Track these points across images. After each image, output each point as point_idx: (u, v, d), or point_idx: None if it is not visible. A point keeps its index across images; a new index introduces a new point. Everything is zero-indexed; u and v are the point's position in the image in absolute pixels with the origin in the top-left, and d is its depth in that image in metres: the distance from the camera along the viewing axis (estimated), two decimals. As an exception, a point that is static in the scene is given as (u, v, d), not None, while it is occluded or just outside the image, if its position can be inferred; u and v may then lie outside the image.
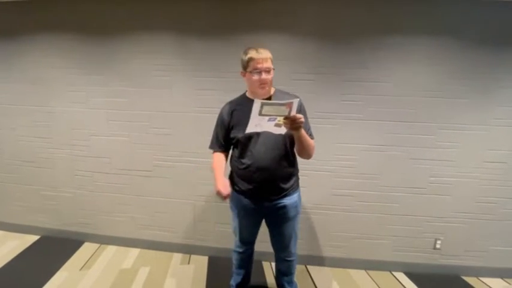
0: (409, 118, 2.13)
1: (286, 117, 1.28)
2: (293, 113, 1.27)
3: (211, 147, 1.68)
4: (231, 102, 1.63)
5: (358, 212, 2.29)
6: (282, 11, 2.07)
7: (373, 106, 2.13)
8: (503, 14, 1.95)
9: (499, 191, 2.16)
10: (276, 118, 1.29)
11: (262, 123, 1.30)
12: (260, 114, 1.26)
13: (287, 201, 1.59)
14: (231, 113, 1.57)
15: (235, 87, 2.15)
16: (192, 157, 2.34)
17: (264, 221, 1.72)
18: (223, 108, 1.63)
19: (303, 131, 1.39)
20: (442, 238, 2.26)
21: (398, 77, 2.09)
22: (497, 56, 2.01)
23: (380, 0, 2.00)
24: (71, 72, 2.33)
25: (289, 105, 1.24)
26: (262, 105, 1.23)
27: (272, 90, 1.55)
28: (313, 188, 2.27)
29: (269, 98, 1.50)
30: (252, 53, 1.43)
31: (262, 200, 1.59)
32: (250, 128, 1.33)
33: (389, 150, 2.18)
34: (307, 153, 1.51)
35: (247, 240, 1.78)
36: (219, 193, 1.46)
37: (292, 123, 1.29)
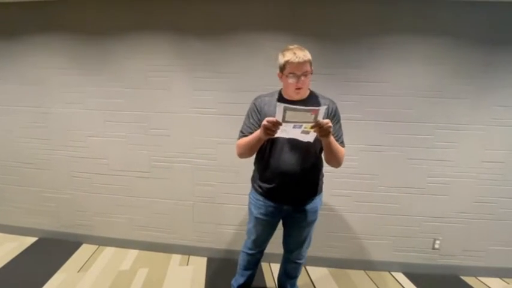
0: (407, 118, 2.13)
1: (313, 125, 1.19)
2: (320, 119, 1.18)
3: (240, 136, 1.51)
4: (263, 97, 1.52)
5: (356, 212, 2.28)
6: (280, 12, 2.07)
7: (371, 106, 2.13)
8: (501, 14, 1.95)
9: (497, 190, 2.17)
10: (302, 125, 1.20)
11: (288, 129, 1.22)
12: (284, 120, 1.18)
13: (308, 205, 1.56)
14: (263, 108, 1.47)
15: (233, 88, 2.17)
16: (190, 158, 2.33)
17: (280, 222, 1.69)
18: (255, 100, 1.52)
19: (331, 139, 1.32)
20: (440, 238, 2.26)
21: (396, 77, 2.09)
22: (494, 55, 2.01)
23: (378, 0, 2.00)
24: (67, 73, 2.32)
25: (315, 111, 1.15)
26: (285, 110, 1.15)
27: (307, 93, 1.48)
28: (312, 188, 2.27)
29: (303, 101, 1.43)
30: (289, 56, 1.32)
31: (283, 204, 1.55)
32: (276, 133, 1.27)
33: (387, 150, 2.18)
34: (336, 162, 1.44)
35: (260, 243, 1.73)
36: (268, 124, 1.23)
37: (320, 129, 1.21)
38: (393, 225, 2.28)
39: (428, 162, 2.17)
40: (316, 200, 1.59)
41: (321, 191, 1.62)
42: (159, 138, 2.33)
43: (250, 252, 1.76)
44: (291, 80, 1.35)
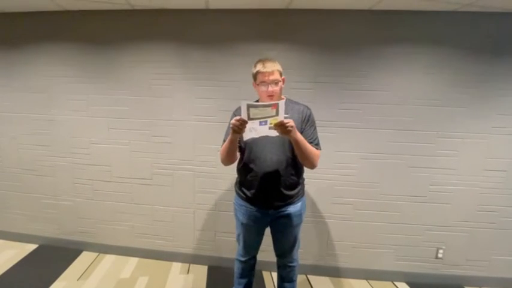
0: (408, 126, 2.14)
1: (276, 124, 1.31)
2: (281, 114, 1.29)
3: (221, 145, 1.61)
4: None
5: (358, 220, 2.27)
6: (281, 21, 2.11)
7: (372, 114, 2.15)
8: (501, 23, 1.98)
9: (499, 199, 2.16)
10: (267, 122, 1.31)
11: (256, 127, 1.33)
12: (249, 118, 1.30)
13: (292, 209, 1.60)
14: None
15: (234, 96, 2.20)
16: (192, 165, 2.34)
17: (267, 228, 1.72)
18: (235, 110, 1.63)
19: (298, 137, 1.42)
20: (444, 247, 2.24)
21: (397, 86, 2.11)
22: (495, 64, 2.03)
23: (378, 11, 2.04)
24: (72, 81, 2.36)
25: (275, 106, 1.28)
26: (248, 107, 1.27)
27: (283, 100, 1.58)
28: (313, 196, 2.27)
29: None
30: (259, 67, 1.48)
31: (267, 207, 1.60)
32: (246, 134, 1.37)
33: (388, 158, 2.18)
34: (307, 161, 1.52)
35: (250, 248, 1.77)
36: (236, 122, 1.32)
37: (282, 127, 1.33)
38: (395, 234, 2.26)
39: (430, 171, 2.17)
40: (299, 204, 1.63)
41: (303, 194, 1.68)
42: (161, 145, 2.34)
43: (243, 259, 1.80)
44: (263, 88, 1.49)
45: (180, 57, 2.23)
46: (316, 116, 2.14)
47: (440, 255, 2.25)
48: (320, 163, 2.17)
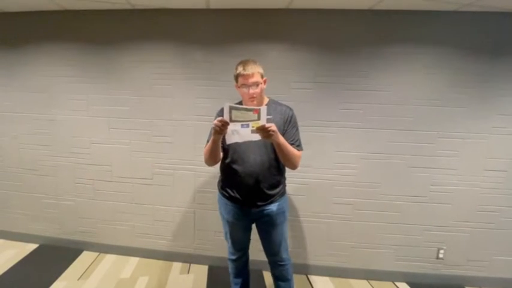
0: (408, 126, 2.14)
1: (258, 127, 1.31)
2: (262, 118, 1.30)
3: (205, 146, 1.60)
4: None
5: (358, 220, 2.27)
6: (281, 21, 2.11)
7: (372, 114, 2.15)
8: (501, 23, 1.98)
9: (500, 199, 2.15)
10: (249, 125, 1.32)
11: (238, 129, 1.34)
12: (231, 120, 1.31)
13: (274, 207, 1.63)
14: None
15: (234, 96, 2.18)
16: (192, 165, 2.34)
17: (254, 227, 1.74)
18: (219, 111, 1.63)
19: (280, 140, 1.42)
20: (444, 247, 2.24)
21: (397, 86, 2.11)
22: (496, 65, 2.03)
23: (379, 11, 2.04)
24: (72, 81, 2.36)
25: (256, 111, 1.29)
26: (231, 109, 1.29)
27: (266, 101, 1.61)
28: (314, 196, 2.27)
29: None
30: (239, 69, 1.49)
31: (249, 206, 1.62)
32: (229, 137, 1.38)
33: (389, 158, 2.18)
34: (289, 162, 1.54)
35: (238, 245, 1.79)
36: (218, 123, 1.33)
37: (264, 131, 1.33)
38: (396, 234, 2.26)
39: (430, 171, 2.17)
40: (281, 202, 1.65)
41: (284, 193, 1.70)
42: (161, 145, 2.35)
43: (233, 257, 1.81)
44: (244, 90, 1.50)
45: (180, 57, 2.23)
46: (316, 116, 2.17)
47: (441, 256, 2.25)
48: (320, 163, 2.20)
